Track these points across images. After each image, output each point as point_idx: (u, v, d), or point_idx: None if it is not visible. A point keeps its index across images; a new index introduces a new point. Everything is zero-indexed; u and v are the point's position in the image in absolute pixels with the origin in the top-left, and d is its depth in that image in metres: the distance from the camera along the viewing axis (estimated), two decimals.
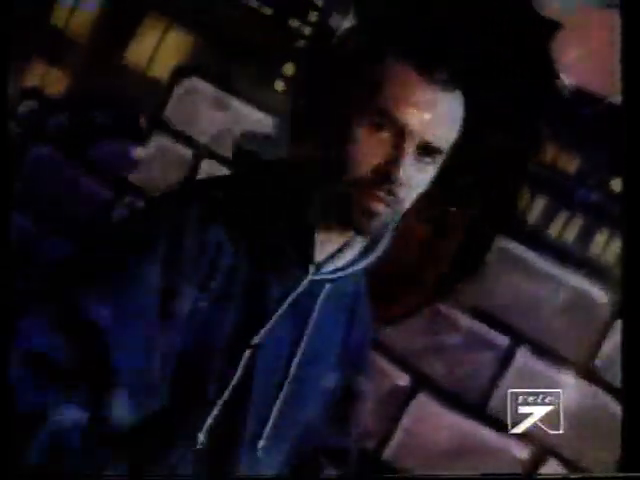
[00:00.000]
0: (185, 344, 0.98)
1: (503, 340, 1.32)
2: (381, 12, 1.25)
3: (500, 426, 1.31)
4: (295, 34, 1.43)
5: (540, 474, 1.30)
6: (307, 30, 1.42)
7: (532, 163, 1.29)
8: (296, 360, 1.05)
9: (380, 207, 0.99)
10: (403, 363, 1.36)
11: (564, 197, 1.29)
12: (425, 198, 1.33)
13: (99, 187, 1.56)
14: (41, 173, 1.59)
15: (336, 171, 1.00)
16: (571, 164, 1.30)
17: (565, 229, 1.30)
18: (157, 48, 1.53)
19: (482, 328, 1.32)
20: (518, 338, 1.31)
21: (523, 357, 1.31)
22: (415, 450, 1.34)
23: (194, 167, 1.48)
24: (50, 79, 1.59)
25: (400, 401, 1.35)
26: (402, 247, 1.32)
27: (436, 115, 0.97)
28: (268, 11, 1.44)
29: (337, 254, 1.07)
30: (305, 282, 1.03)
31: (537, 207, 1.31)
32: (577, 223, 1.29)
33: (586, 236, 1.28)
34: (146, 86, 1.52)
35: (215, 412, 0.99)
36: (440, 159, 1.02)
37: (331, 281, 1.06)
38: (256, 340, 1.00)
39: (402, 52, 0.97)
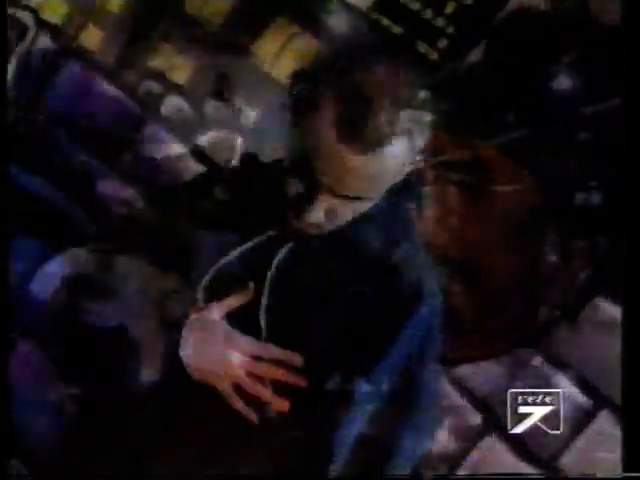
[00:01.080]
0: None
1: (584, 400, 1.29)
2: None
3: None
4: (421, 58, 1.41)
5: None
6: (434, 56, 1.41)
7: None
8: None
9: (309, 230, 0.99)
10: (478, 402, 1.35)
11: None
12: (528, 251, 1.31)
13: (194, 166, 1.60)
14: (149, 151, 1.63)
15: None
16: None
17: None
18: (281, 49, 1.54)
19: (566, 384, 1.29)
20: (601, 400, 1.28)
21: (603, 421, 1.28)
22: None
23: None
24: (174, 63, 1.62)
25: (470, 438, 1.35)
26: (498, 294, 1.31)
27: (354, 175, 0.91)
28: (397, 30, 1.43)
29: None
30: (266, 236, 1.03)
31: None
32: None
33: None
34: (265, 85, 1.54)
35: (212, 273, 1.04)
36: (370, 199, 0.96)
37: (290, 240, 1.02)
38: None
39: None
